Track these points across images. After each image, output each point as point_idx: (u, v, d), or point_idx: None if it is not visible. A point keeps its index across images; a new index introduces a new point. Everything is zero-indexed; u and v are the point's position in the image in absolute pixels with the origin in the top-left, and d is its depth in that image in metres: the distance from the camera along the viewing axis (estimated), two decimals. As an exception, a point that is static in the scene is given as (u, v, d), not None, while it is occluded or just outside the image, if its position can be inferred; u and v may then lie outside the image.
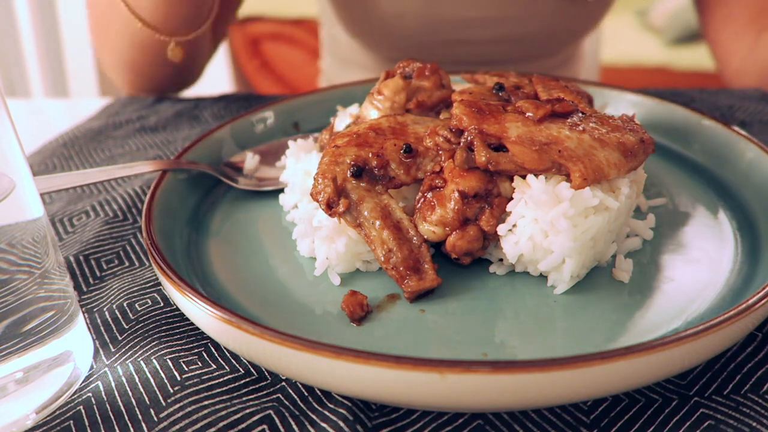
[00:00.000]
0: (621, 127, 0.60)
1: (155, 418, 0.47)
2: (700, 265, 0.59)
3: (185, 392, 0.49)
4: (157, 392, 0.49)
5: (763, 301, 0.47)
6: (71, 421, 0.47)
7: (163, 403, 0.48)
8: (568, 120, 0.59)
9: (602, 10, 1.22)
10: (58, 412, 0.48)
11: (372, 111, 0.68)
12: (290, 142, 0.70)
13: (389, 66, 1.22)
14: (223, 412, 0.47)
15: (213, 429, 0.46)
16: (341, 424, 0.46)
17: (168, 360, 0.52)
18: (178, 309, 0.57)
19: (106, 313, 0.58)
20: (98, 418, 0.47)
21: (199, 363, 0.52)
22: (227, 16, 1.11)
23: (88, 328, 0.56)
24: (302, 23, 2.97)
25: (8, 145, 0.45)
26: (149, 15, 0.91)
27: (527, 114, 0.59)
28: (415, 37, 1.17)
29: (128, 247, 0.67)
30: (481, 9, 1.14)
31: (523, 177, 0.57)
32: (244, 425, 0.46)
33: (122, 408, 0.48)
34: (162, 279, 0.53)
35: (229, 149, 0.78)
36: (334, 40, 1.34)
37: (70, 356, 0.50)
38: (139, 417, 0.47)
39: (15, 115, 0.47)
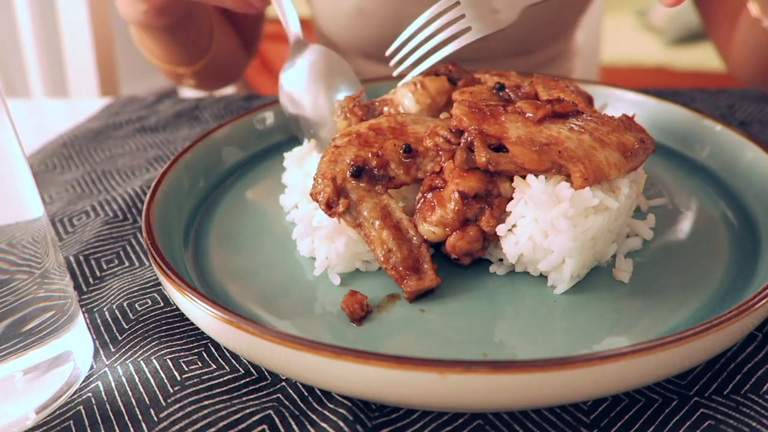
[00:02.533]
0: (621, 128, 0.60)
1: (155, 418, 0.47)
2: (700, 265, 0.59)
3: (185, 392, 0.49)
4: (157, 392, 0.49)
5: (763, 301, 0.47)
6: (71, 421, 0.47)
7: (163, 403, 0.48)
8: (568, 120, 0.59)
9: (576, 11, 1.21)
10: (58, 412, 0.48)
11: (408, 98, 0.66)
12: (286, 154, 0.71)
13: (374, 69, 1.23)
14: (223, 412, 0.47)
15: (213, 429, 0.46)
16: (341, 424, 0.46)
17: (168, 360, 0.52)
18: (178, 309, 0.57)
19: (106, 313, 0.58)
20: (98, 418, 0.48)
21: (199, 363, 0.52)
22: (255, 24, 1.20)
23: (88, 328, 0.56)
24: (302, 23, 2.96)
25: (8, 145, 0.45)
26: (157, 56, 1.06)
27: (527, 114, 0.59)
28: (378, 33, 1.16)
29: (128, 247, 0.67)
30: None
31: (523, 177, 0.57)
32: (244, 425, 0.46)
33: (122, 408, 0.48)
34: (162, 279, 0.53)
35: (229, 149, 0.78)
36: (323, 40, 1.34)
37: (70, 356, 0.50)
38: (139, 417, 0.47)
39: (15, 115, 0.47)
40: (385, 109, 0.68)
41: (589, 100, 0.71)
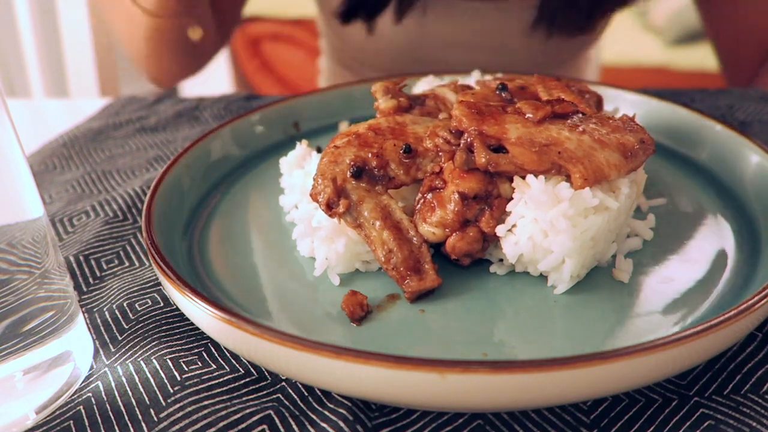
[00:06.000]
0: (621, 128, 0.60)
1: (155, 418, 0.47)
2: (700, 265, 0.59)
3: (185, 392, 0.49)
4: (157, 392, 0.49)
5: (763, 301, 0.47)
6: (71, 421, 0.47)
7: (163, 403, 0.48)
8: (568, 121, 0.59)
9: (586, 45, 1.22)
10: (58, 412, 0.48)
11: (450, 95, 0.68)
12: (282, 159, 0.71)
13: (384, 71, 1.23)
14: (223, 412, 0.47)
15: (213, 429, 0.46)
16: (341, 424, 0.46)
17: (168, 360, 0.52)
18: (178, 309, 0.57)
19: (106, 313, 0.58)
20: (98, 418, 0.48)
21: (199, 363, 0.52)
22: (233, 12, 1.19)
23: (88, 328, 0.56)
24: (302, 23, 2.97)
25: (8, 145, 0.45)
26: (148, 3, 0.98)
27: (527, 115, 0.59)
28: (388, 54, 1.17)
29: (128, 247, 0.67)
30: (458, 34, 1.12)
31: (523, 177, 0.57)
32: (244, 425, 0.46)
33: (122, 408, 0.48)
34: (162, 279, 0.53)
35: (229, 149, 0.78)
36: (332, 45, 1.34)
37: (70, 356, 0.50)
38: (139, 417, 0.47)
39: (15, 115, 0.47)
40: (427, 100, 0.69)
41: (599, 101, 0.71)
